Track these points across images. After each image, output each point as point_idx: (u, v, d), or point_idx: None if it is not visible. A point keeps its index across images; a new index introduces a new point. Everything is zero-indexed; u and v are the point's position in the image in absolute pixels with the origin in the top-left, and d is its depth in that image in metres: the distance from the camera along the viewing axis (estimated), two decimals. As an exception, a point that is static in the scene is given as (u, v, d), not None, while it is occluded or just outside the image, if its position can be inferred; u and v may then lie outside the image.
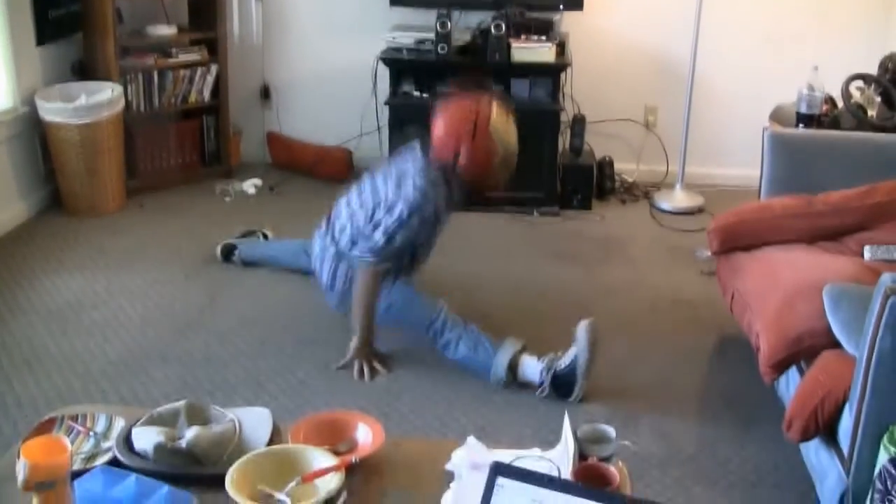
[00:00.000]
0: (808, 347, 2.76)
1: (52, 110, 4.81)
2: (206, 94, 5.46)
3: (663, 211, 5.26)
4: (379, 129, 5.45)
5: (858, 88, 4.40)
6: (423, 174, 3.52)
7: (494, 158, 3.54)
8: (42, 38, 4.96)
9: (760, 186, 3.77)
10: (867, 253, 3.24)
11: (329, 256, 3.75)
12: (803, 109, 4.38)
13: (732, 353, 3.73)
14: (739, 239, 3.46)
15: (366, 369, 3.55)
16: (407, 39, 5.11)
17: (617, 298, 4.22)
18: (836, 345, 2.64)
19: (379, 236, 3.51)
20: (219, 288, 4.24)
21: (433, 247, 3.82)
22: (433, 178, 3.52)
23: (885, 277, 2.31)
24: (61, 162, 4.91)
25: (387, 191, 3.57)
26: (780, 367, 2.88)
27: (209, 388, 3.45)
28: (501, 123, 3.55)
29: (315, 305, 3.99)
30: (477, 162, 3.51)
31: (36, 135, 4.96)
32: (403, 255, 3.64)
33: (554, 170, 5.14)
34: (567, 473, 1.91)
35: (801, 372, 2.80)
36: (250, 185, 5.42)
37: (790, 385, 2.88)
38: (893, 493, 2.16)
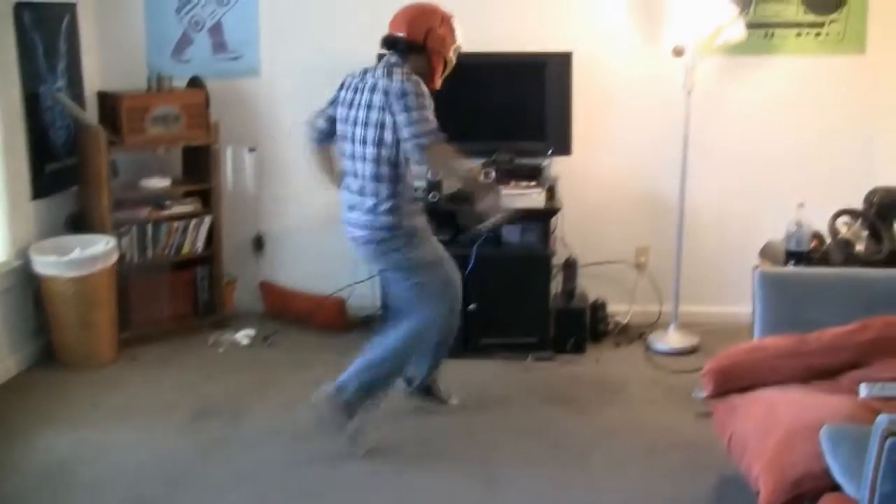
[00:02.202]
0: (808, 491, 2.73)
1: (46, 264, 4.86)
2: (200, 245, 5.52)
3: (658, 352, 5.26)
4: (372, 277, 5.48)
5: (845, 223, 4.45)
6: (389, 75, 3.90)
7: (451, 46, 4.08)
8: (38, 191, 5.07)
9: (753, 324, 3.78)
10: (863, 391, 3.22)
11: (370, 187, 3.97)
12: (792, 246, 4.43)
13: (732, 496, 3.67)
14: (734, 381, 3.45)
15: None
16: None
17: (614, 442, 4.18)
18: (836, 487, 2.61)
19: (413, 124, 3.79)
20: (212, 442, 4.20)
21: None
22: (406, 70, 3.92)
23: (882, 419, 2.30)
24: (54, 315, 4.94)
25: (368, 100, 3.92)
26: (782, 512, 2.85)
27: (202, 545, 3.39)
28: (455, 24, 4.13)
29: (310, 460, 3.96)
30: (444, 40, 4.03)
31: (29, 288, 4.99)
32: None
33: (546, 314, 5.16)
34: None
35: (804, 516, 2.76)
36: (244, 336, 5.42)
37: (793, 530, 2.84)
38: None
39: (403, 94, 3.79)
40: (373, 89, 3.90)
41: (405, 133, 3.79)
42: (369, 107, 3.90)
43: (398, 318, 4.15)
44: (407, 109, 3.79)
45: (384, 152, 3.88)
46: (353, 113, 3.97)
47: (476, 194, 4.00)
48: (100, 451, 4.11)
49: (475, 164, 4.03)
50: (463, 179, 4.08)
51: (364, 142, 3.92)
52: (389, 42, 4.02)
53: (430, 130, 3.80)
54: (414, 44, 3.98)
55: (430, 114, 3.83)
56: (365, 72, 4.04)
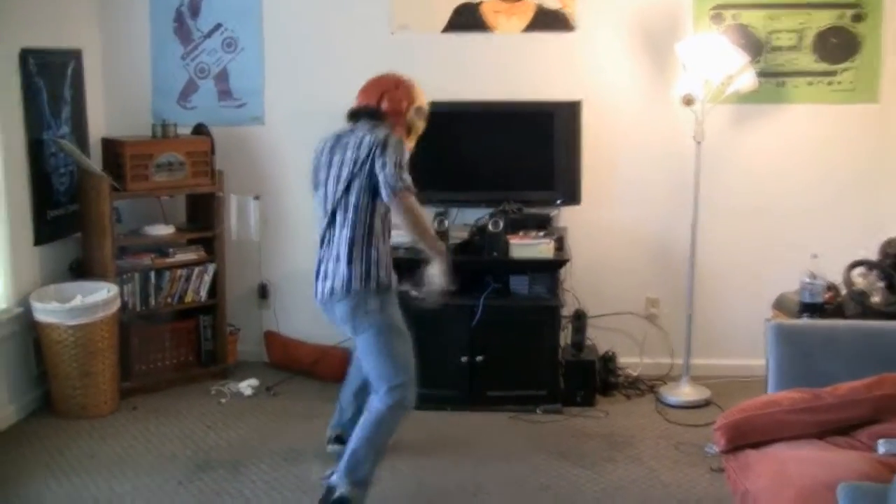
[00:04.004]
0: (824, 552, 2.68)
1: (47, 311, 4.84)
2: (203, 293, 5.51)
3: (669, 405, 5.21)
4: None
5: (861, 275, 4.42)
6: (383, 135, 3.87)
7: (411, 107, 4.05)
8: (40, 238, 5.07)
9: (767, 378, 3.74)
10: (881, 447, 3.18)
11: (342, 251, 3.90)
12: (806, 298, 4.40)
13: (747, 555, 3.61)
14: (747, 436, 3.40)
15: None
16: (404, 237, 5.15)
17: (623, 498, 4.13)
18: (854, 549, 2.57)
19: (390, 170, 3.77)
20: (212, 495, 4.15)
21: None
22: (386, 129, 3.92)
23: (900, 477, 2.26)
24: (54, 363, 4.91)
25: (354, 156, 3.87)
26: (798, 575, 2.79)
27: None
28: (416, 84, 4.12)
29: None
30: (400, 101, 4.02)
31: (29, 336, 4.98)
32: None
33: (555, 366, 5.12)
34: None
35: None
36: (247, 387, 5.39)
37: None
38: None
39: (386, 145, 3.80)
40: (358, 145, 3.86)
41: (381, 178, 3.79)
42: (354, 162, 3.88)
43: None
44: (388, 157, 3.78)
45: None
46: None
47: (432, 258, 3.91)
48: (96, 503, 4.06)
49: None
50: (426, 237, 3.93)
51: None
52: (352, 114, 4.05)
53: (406, 181, 3.79)
54: (372, 110, 4.01)
55: (406, 171, 3.82)
56: (338, 135, 4.03)
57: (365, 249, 3.85)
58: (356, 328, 3.90)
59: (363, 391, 4.16)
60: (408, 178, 3.79)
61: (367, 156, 3.80)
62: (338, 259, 3.86)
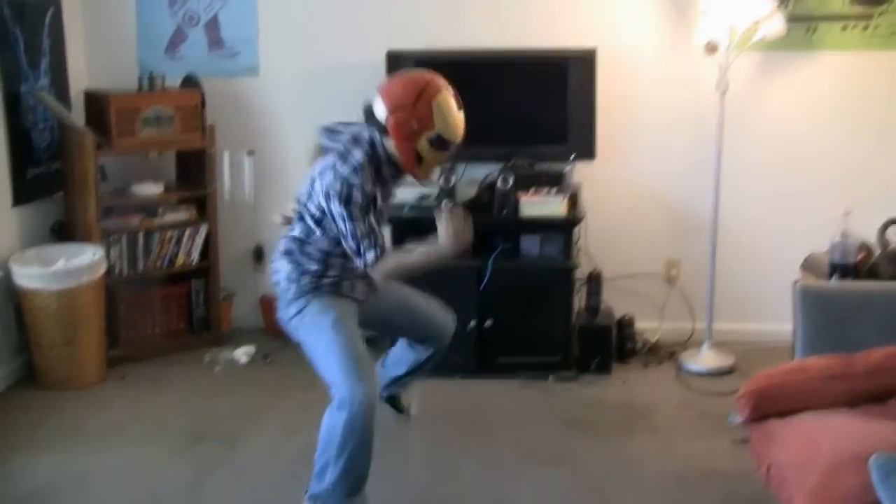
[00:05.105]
0: (855, 527, 2.67)
1: (28, 276, 4.83)
2: (195, 256, 5.49)
3: (690, 373, 5.20)
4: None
5: (896, 233, 4.42)
6: (343, 159, 3.59)
7: (424, 133, 3.55)
8: (19, 198, 5.05)
9: (794, 344, 3.72)
10: (917, 417, 3.18)
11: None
12: (837, 259, 4.37)
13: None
14: (773, 405, 3.39)
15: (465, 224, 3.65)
16: (409, 195, 5.15)
17: (641, 471, 4.12)
18: (887, 523, 2.55)
19: (351, 243, 3.55)
20: (206, 468, 4.16)
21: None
22: (358, 162, 3.57)
23: (938, 447, 2.24)
24: (36, 331, 4.91)
25: (311, 185, 3.68)
26: (826, 551, 2.78)
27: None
28: (449, 105, 3.58)
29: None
30: (403, 127, 3.54)
31: (10, 302, 4.97)
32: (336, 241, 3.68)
33: (569, 332, 5.11)
34: None
35: (850, 555, 2.70)
36: (242, 354, 5.39)
37: (839, 570, 2.77)
38: None
39: (328, 198, 3.56)
40: (321, 173, 3.64)
41: (343, 240, 3.63)
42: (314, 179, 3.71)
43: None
44: (340, 218, 3.56)
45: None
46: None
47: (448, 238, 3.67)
48: (83, 477, 4.07)
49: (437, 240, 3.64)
50: (419, 267, 3.73)
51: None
52: (365, 111, 3.68)
53: (368, 258, 3.57)
54: (375, 119, 3.61)
55: (360, 226, 3.54)
56: (332, 132, 3.90)
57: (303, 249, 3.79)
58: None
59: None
60: (370, 250, 3.54)
61: (324, 196, 3.59)
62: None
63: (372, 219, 3.55)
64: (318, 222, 3.69)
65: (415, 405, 4.58)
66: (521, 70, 5.32)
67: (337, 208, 3.53)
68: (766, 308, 5.44)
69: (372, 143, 3.65)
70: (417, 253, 3.68)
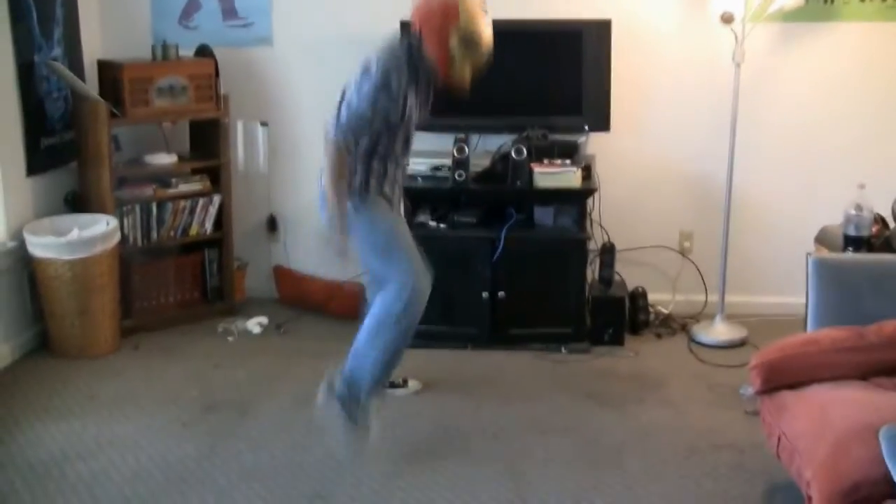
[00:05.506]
0: (865, 497, 2.68)
1: (42, 245, 4.85)
2: (209, 227, 5.51)
3: (703, 345, 5.20)
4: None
5: (911, 206, 4.39)
6: (384, 48, 3.83)
7: (451, 26, 3.80)
8: (33, 168, 5.06)
9: (807, 317, 3.72)
10: (928, 389, 3.18)
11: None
12: (851, 231, 4.35)
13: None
14: (785, 376, 3.39)
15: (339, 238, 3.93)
16: (422, 166, 5.15)
17: (652, 442, 4.14)
18: (897, 494, 2.57)
19: (343, 108, 3.78)
20: (219, 437, 4.18)
21: (406, 144, 4.04)
22: (396, 52, 3.82)
23: (948, 419, 2.25)
24: (50, 300, 4.93)
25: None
26: (836, 521, 2.79)
27: (204, 549, 3.37)
28: (474, 13, 3.83)
29: (322, 457, 3.93)
30: (429, 25, 3.81)
31: (24, 271, 5.00)
32: (373, 141, 3.88)
33: (582, 303, 5.12)
34: None
35: (860, 526, 2.71)
36: (255, 324, 5.41)
37: (849, 540, 2.78)
38: None
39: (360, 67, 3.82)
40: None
41: None
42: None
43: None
44: (354, 84, 3.82)
45: None
46: None
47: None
48: (97, 446, 4.10)
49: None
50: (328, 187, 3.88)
51: None
52: (402, 24, 4.02)
53: (328, 133, 3.81)
54: (408, 27, 3.91)
55: (358, 101, 3.77)
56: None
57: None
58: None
59: None
60: (342, 128, 3.78)
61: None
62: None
63: (369, 111, 3.76)
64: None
65: (413, 381, 4.62)
66: (536, 41, 5.29)
67: (356, 76, 3.77)
68: (779, 281, 5.44)
69: (409, 47, 3.85)
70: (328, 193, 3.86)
